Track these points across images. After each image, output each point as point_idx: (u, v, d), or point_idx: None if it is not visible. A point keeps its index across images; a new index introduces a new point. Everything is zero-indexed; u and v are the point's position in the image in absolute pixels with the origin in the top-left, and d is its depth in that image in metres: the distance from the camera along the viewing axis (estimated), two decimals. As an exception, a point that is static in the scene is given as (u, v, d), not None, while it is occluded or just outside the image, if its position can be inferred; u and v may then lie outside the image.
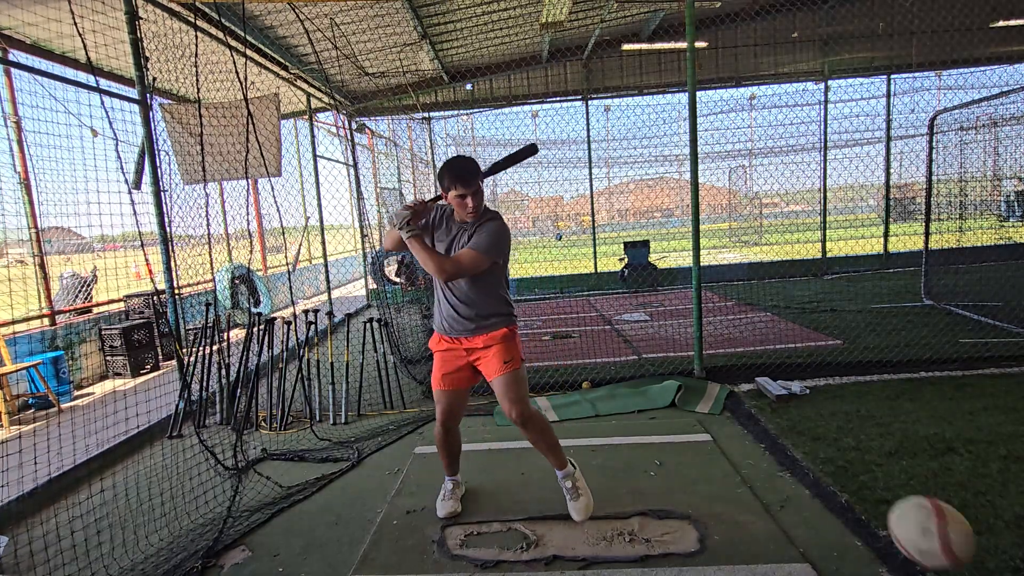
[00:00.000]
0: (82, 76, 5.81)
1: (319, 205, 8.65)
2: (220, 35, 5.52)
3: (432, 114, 10.88)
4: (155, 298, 6.64)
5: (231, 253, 9.50)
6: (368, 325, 5.00)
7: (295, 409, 4.49)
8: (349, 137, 9.24)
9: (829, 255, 10.41)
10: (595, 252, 10.42)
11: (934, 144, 6.45)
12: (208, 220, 4.08)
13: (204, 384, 4.45)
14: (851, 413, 3.59)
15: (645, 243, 10.01)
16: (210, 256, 4.88)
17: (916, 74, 10.37)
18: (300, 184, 10.48)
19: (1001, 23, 9.73)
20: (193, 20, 4.75)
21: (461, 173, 2.38)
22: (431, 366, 2.79)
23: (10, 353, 4.91)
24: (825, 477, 2.79)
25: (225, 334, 4.65)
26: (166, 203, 4.40)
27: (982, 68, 10.62)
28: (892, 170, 10.39)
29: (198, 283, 7.55)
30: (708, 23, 8.92)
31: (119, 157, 3.37)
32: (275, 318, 4.63)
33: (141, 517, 2.98)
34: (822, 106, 9.90)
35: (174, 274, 4.36)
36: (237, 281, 7.84)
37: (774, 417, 3.61)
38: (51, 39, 5.71)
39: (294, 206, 10.50)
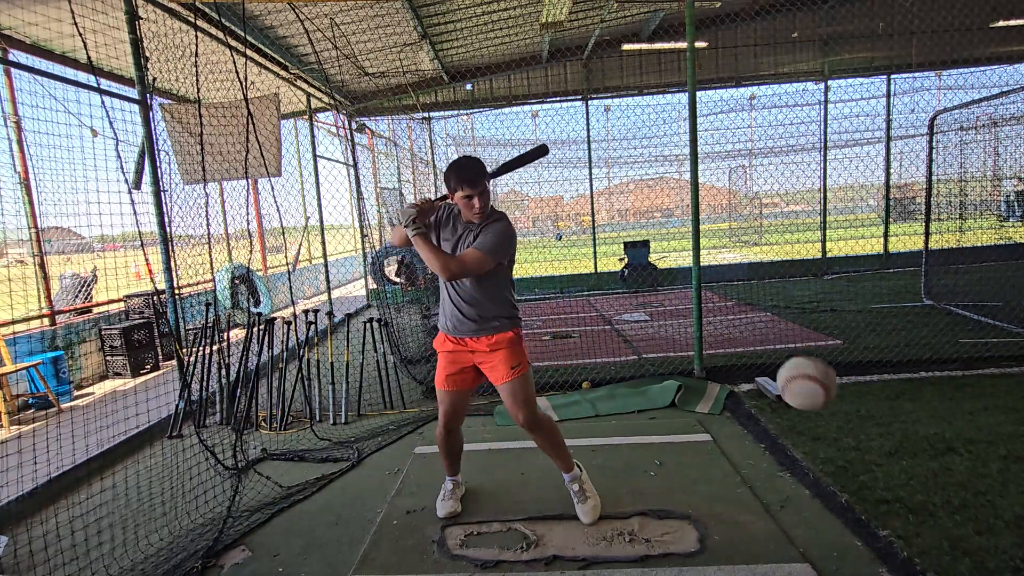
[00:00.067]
0: (82, 76, 5.81)
1: (319, 205, 8.65)
2: (220, 35, 5.52)
3: (432, 114, 10.88)
4: (155, 298, 6.64)
5: (231, 253, 9.50)
6: (368, 325, 5.00)
7: (295, 409, 4.49)
8: (349, 137, 9.25)
9: (829, 255, 10.41)
10: (595, 252, 10.42)
11: (934, 144, 6.45)
12: (208, 220, 4.08)
13: (204, 384, 4.45)
14: (851, 413, 3.59)
15: (645, 243, 10.01)
16: (210, 256, 4.88)
17: (916, 74, 10.37)
18: (300, 184, 10.49)
19: (1001, 23, 9.74)
20: (193, 20, 4.75)
21: (467, 174, 2.38)
22: (432, 366, 2.80)
23: (10, 353, 4.91)
24: (825, 477, 2.79)
25: (225, 334, 4.65)
26: (166, 203, 4.40)
27: (982, 68, 10.62)
28: (892, 170, 10.40)
29: (198, 283, 7.55)
30: (708, 23, 8.92)
31: (119, 157, 3.37)
32: (275, 318, 4.63)
33: (141, 517, 2.98)
34: (822, 106, 9.90)
35: (174, 274, 4.36)
36: (237, 281, 7.84)
37: (774, 417, 3.61)
38: (51, 39, 5.70)
39: (294, 206, 10.51)
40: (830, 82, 9.91)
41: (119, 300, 6.94)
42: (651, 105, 11.84)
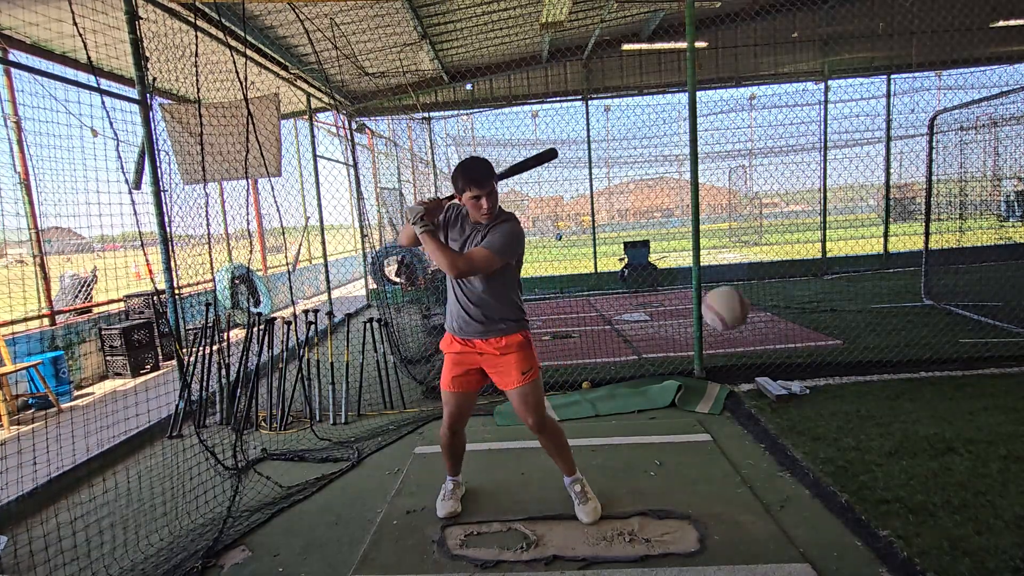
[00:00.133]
0: (82, 76, 5.81)
1: (319, 205, 8.65)
2: (220, 35, 5.52)
3: (432, 114, 10.88)
4: (155, 298, 6.64)
5: (231, 253, 9.50)
6: (368, 325, 5.00)
7: (295, 409, 4.49)
8: (349, 137, 9.25)
9: (829, 255, 10.41)
10: (595, 252, 10.42)
11: (934, 144, 6.45)
12: (208, 220, 4.08)
13: (204, 384, 4.45)
14: (851, 413, 3.59)
15: (645, 243, 10.01)
16: (210, 256, 4.88)
17: (916, 74, 10.37)
18: (300, 184, 10.49)
19: (1001, 23, 9.74)
20: (193, 20, 4.75)
21: (475, 175, 2.37)
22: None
23: (10, 353, 4.91)
24: (825, 477, 2.80)
25: (225, 334, 4.65)
26: (166, 203, 4.40)
27: (982, 68, 10.62)
28: (892, 170, 10.40)
29: (198, 283, 7.55)
30: (708, 23, 8.92)
31: (119, 157, 3.37)
32: (275, 318, 4.63)
33: (141, 517, 2.98)
34: (822, 106, 9.89)
35: (174, 274, 4.36)
36: (237, 281, 7.84)
37: (774, 417, 3.61)
38: (51, 39, 5.71)
39: (294, 206, 10.51)
40: (830, 82, 9.91)
41: (119, 300, 6.94)
42: (651, 105, 11.85)
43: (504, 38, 8.98)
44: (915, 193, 17.35)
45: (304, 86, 8.46)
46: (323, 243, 8.84)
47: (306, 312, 4.69)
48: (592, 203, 10.44)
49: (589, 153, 10.18)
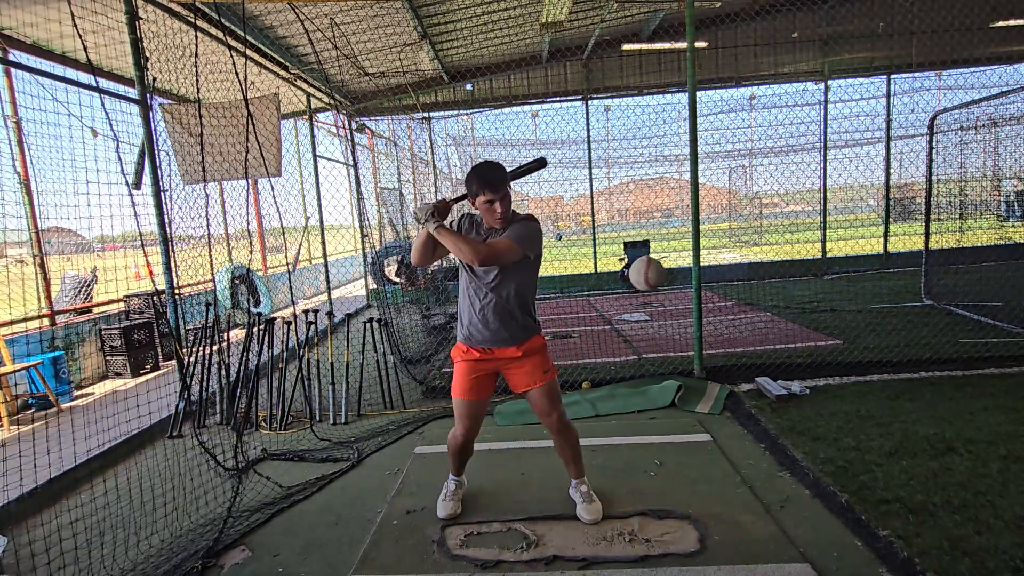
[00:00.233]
0: (83, 76, 5.81)
1: (319, 205, 8.65)
2: (220, 35, 5.52)
3: (432, 114, 10.88)
4: (155, 298, 6.65)
5: (231, 253, 9.50)
6: (368, 325, 5.00)
7: (295, 409, 4.49)
8: (349, 137, 9.24)
9: (829, 255, 10.41)
10: (595, 252, 10.41)
11: (934, 144, 6.45)
12: (208, 220, 4.08)
13: (204, 384, 4.45)
14: (851, 413, 3.59)
15: (645, 243, 10.01)
16: (210, 256, 4.88)
17: (916, 74, 10.37)
18: (300, 184, 10.49)
19: (1001, 23, 9.74)
20: (193, 20, 4.75)
21: (488, 179, 2.37)
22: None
23: (10, 353, 4.91)
24: (825, 477, 2.80)
25: (225, 334, 4.65)
26: (166, 203, 4.40)
27: (982, 68, 10.62)
28: (892, 170, 10.40)
29: (198, 283, 7.55)
30: (708, 23, 8.92)
31: (119, 158, 3.37)
32: (275, 318, 4.63)
33: (141, 517, 2.98)
34: (822, 106, 9.89)
35: (174, 274, 4.36)
36: (237, 281, 7.84)
37: (774, 417, 3.61)
38: (51, 39, 5.71)
39: (294, 206, 10.51)
40: (830, 82, 9.91)
41: (119, 300, 6.94)
42: (651, 105, 11.85)
43: (504, 38, 8.98)
44: (915, 193, 17.36)
45: (304, 86, 8.46)
46: (323, 243, 8.84)
47: (306, 312, 4.69)
48: (592, 203, 10.44)
49: (589, 153, 10.18)
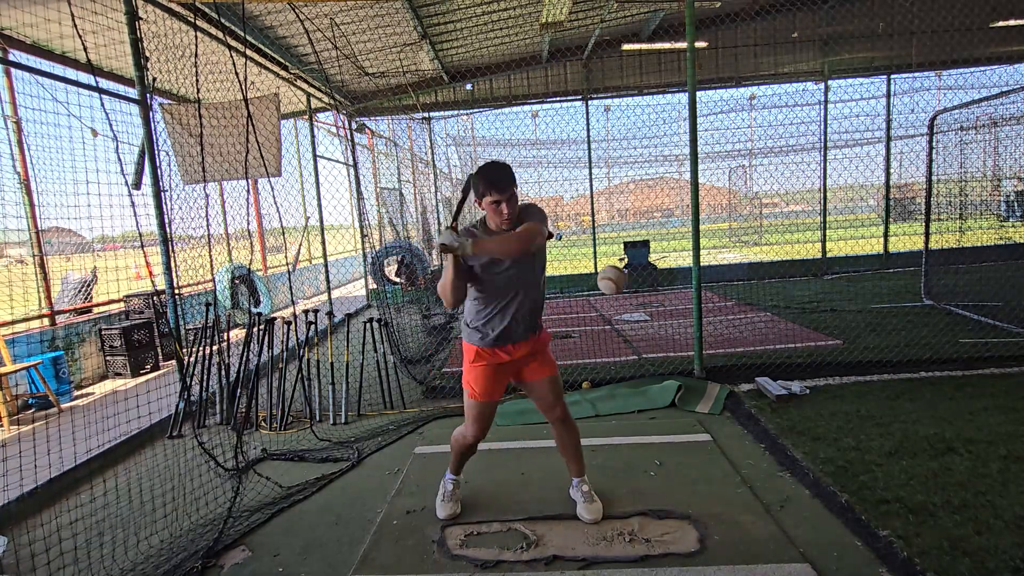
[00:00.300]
0: (83, 76, 5.81)
1: (319, 205, 8.65)
2: (220, 35, 5.52)
3: (432, 114, 10.88)
4: (155, 298, 6.65)
5: (231, 253, 9.50)
6: (368, 325, 5.00)
7: (295, 409, 4.49)
8: (349, 137, 9.24)
9: (829, 255, 10.41)
10: (595, 252, 10.42)
11: (934, 144, 6.45)
12: (208, 220, 4.08)
13: (204, 384, 4.45)
14: (851, 413, 3.59)
15: (645, 243, 10.00)
16: (210, 256, 4.88)
17: (916, 74, 10.37)
18: (300, 184, 10.49)
19: (1001, 23, 9.73)
20: (193, 20, 4.74)
21: (496, 180, 2.33)
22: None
23: (10, 353, 4.91)
24: (825, 477, 2.80)
25: (225, 334, 4.65)
26: (166, 203, 4.40)
27: (982, 68, 10.62)
28: (892, 170, 10.40)
29: (198, 283, 7.55)
30: (708, 23, 8.91)
31: (119, 158, 3.37)
32: (275, 318, 4.63)
33: (141, 517, 2.98)
34: (822, 106, 9.89)
35: (174, 274, 4.36)
36: (237, 281, 7.84)
37: (774, 417, 3.61)
38: (51, 39, 5.70)
39: (294, 206, 10.51)
40: (830, 82, 9.91)
41: (119, 300, 6.94)
42: (651, 105, 11.87)
43: (504, 38, 8.98)
44: (915, 193, 17.35)
45: (304, 86, 8.46)
46: (323, 243, 8.84)
47: (306, 312, 4.69)
48: (592, 203, 10.44)
49: (589, 153, 10.18)
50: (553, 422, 2.69)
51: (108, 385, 5.82)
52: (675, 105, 17.51)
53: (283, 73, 7.78)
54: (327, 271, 8.89)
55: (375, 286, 8.98)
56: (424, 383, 4.96)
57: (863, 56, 10.02)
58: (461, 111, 10.99)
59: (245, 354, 4.40)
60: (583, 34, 9.47)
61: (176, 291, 4.39)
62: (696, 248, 4.39)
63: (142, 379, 5.95)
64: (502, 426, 3.90)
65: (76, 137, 4.42)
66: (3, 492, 3.07)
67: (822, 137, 9.93)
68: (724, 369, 4.58)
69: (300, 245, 10.86)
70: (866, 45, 9.95)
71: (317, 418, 4.35)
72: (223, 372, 4.46)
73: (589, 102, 10.25)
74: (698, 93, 4.31)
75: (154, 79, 4.50)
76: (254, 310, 7.61)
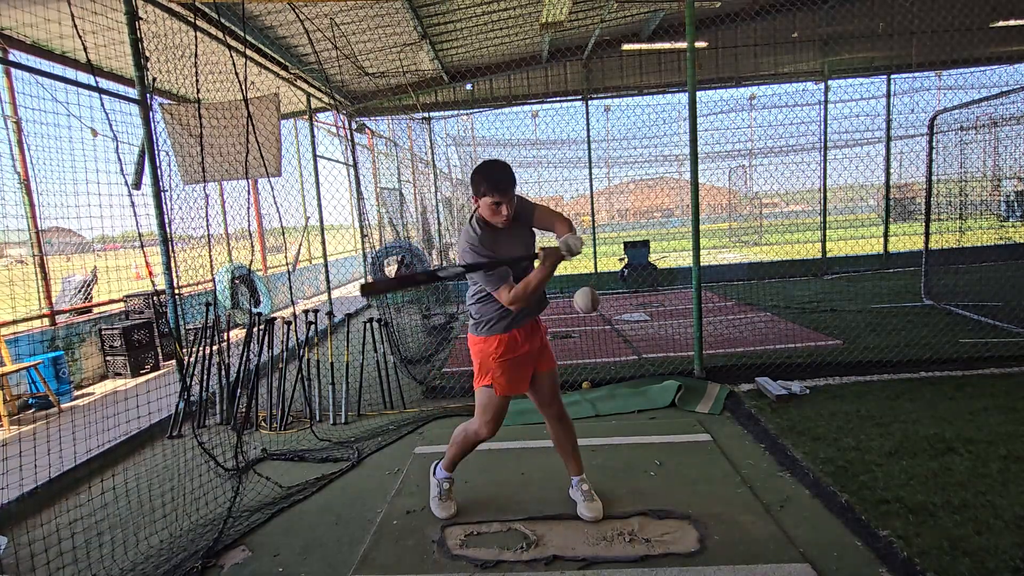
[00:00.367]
0: (83, 76, 5.80)
1: (319, 205, 8.64)
2: (220, 35, 5.52)
3: (432, 114, 10.88)
4: (155, 298, 6.64)
5: (231, 253, 9.50)
6: (368, 325, 5.00)
7: (295, 409, 4.49)
8: (349, 137, 9.24)
9: (829, 255, 10.40)
10: (595, 252, 10.41)
11: (934, 144, 6.45)
12: (208, 220, 4.08)
13: (204, 384, 4.45)
14: (851, 413, 3.59)
15: (645, 243, 10.00)
16: (210, 256, 4.88)
17: (916, 74, 10.37)
18: (300, 184, 10.49)
19: (1001, 23, 9.73)
20: (193, 20, 4.74)
21: (499, 182, 2.33)
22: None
23: (10, 353, 4.91)
24: (825, 477, 2.80)
25: (225, 334, 4.65)
26: (166, 203, 4.40)
27: (982, 68, 10.62)
28: (892, 170, 10.40)
29: (198, 283, 7.54)
30: (708, 23, 8.91)
31: (119, 158, 3.37)
32: (275, 318, 4.63)
33: (141, 517, 2.98)
34: (822, 106, 9.89)
35: (174, 274, 4.36)
36: (237, 281, 7.84)
37: (774, 417, 3.61)
38: (51, 39, 5.70)
39: (294, 206, 10.51)
40: (830, 82, 9.91)
41: (119, 300, 6.94)
42: (651, 105, 11.85)
43: (504, 38, 8.98)
44: (915, 193, 17.35)
45: (304, 86, 8.46)
46: (323, 243, 8.84)
47: (306, 312, 4.69)
48: (592, 203, 10.44)
49: (589, 153, 10.18)
50: (551, 419, 2.69)
51: (108, 385, 5.82)
52: (675, 105, 17.50)
53: (283, 73, 7.78)
54: (327, 271, 8.89)
55: (375, 286, 8.95)
56: (424, 383, 4.96)
57: (863, 56, 10.02)
58: (461, 111, 10.99)
59: (245, 354, 4.40)
60: (583, 34, 9.47)
61: (176, 291, 4.39)
62: (696, 248, 4.39)
63: (142, 379, 5.95)
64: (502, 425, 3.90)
65: (76, 137, 4.42)
66: (3, 492, 3.07)
67: (822, 137, 9.93)
68: (724, 369, 4.58)
69: (300, 245, 10.86)
70: (866, 45, 9.95)
71: (317, 418, 4.35)
72: (223, 372, 4.45)
73: (589, 102, 10.25)
74: (698, 93, 4.30)
75: (154, 79, 4.50)
76: (254, 310, 7.61)
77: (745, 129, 16.11)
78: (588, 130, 10.18)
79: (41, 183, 5.65)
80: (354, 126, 9.64)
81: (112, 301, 6.95)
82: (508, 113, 12.39)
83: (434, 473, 2.86)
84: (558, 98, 10.45)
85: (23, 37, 5.68)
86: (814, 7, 9.57)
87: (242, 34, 4.67)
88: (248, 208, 9.04)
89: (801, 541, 2.39)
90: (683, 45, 9.54)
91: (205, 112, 5.56)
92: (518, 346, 2.54)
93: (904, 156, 12.18)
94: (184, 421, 4.26)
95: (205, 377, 4.46)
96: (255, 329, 4.48)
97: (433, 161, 11.41)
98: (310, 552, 2.57)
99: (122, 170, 3.33)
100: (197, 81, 3.68)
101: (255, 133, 5.59)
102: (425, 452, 3.57)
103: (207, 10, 5.45)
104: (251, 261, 9.86)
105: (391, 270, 9.87)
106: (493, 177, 2.34)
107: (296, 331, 4.65)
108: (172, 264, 4.34)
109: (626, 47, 9.93)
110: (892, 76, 10.03)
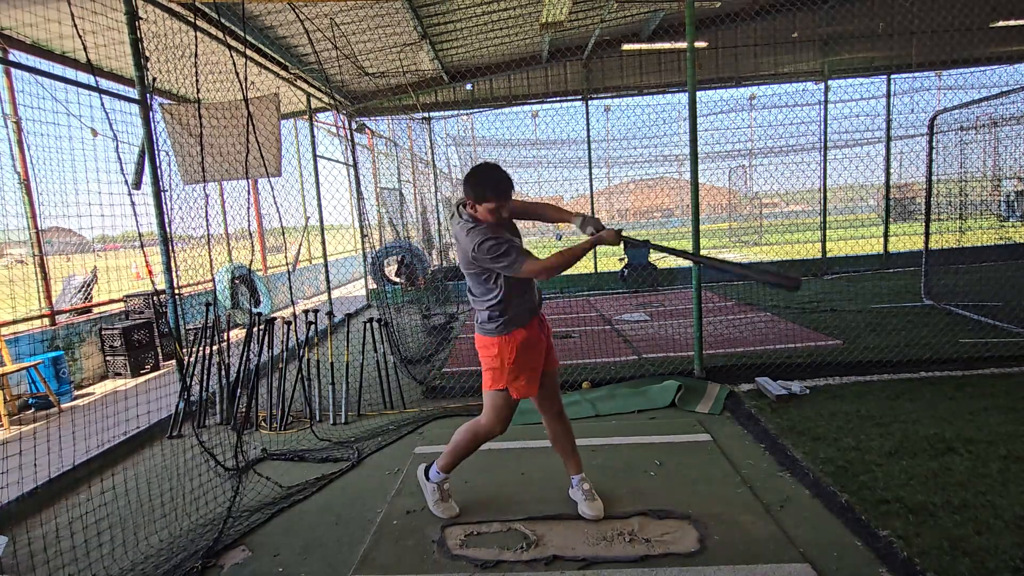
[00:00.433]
0: (83, 76, 5.80)
1: (319, 205, 8.65)
2: (220, 35, 5.52)
3: (432, 114, 10.88)
4: (155, 298, 6.65)
5: (231, 253, 9.50)
6: (368, 325, 5.00)
7: (295, 409, 4.49)
8: (349, 137, 9.24)
9: (829, 255, 10.40)
10: (595, 252, 10.41)
11: (934, 144, 6.45)
12: (208, 220, 4.08)
13: (204, 384, 4.45)
14: (851, 413, 3.59)
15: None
16: (209, 256, 4.88)
17: (916, 74, 10.36)
18: (300, 184, 10.49)
19: (1001, 23, 9.73)
20: (193, 20, 4.74)
21: (500, 188, 2.37)
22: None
23: (10, 353, 4.91)
24: (825, 477, 2.80)
25: (225, 334, 4.65)
26: (166, 203, 4.40)
27: (982, 68, 10.62)
28: (892, 170, 10.39)
29: (198, 283, 7.55)
30: (708, 23, 8.91)
31: (119, 158, 3.37)
32: (275, 318, 4.63)
33: (141, 517, 2.98)
34: (822, 106, 9.89)
35: (174, 274, 4.36)
36: (237, 281, 7.84)
37: (774, 417, 3.61)
38: (51, 39, 5.70)
39: (294, 206, 10.51)
40: (830, 82, 9.91)
41: (119, 300, 6.94)
42: (651, 105, 11.87)
43: (504, 38, 8.98)
44: (915, 193, 17.35)
45: (304, 86, 8.46)
46: (323, 243, 8.84)
47: (306, 312, 4.69)
48: (592, 203, 10.44)
49: (589, 153, 10.18)
50: (551, 417, 2.71)
51: (108, 385, 5.83)
52: (675, 105, 17.51)
53: (283, 73, 7.78)
54: (327, 271, 8.89)
55: (375, 286, 8.98)
56: (424, 383, 4.96)
57: (863, 56, 10.02)
58: (461, 111, 10.99)
59: (245, 354, 4.40)
60: (583, 34, 9.47)
61: (176, 291, 4.39)
62: (696, 248, 4.39)
63: (142, 379, 5.95)
64: (502, 426, 3.90)
65: (76, 137, 4.42)
66: (3, 492, 3.07)
67: (822, 137, 9.93)
68: (724, 369, 4.58)
69: (300, 245, 10.86)
70: (866, 45, 9.95)
71: (317, 418, 4.35)
72: (223, 372, 4.45)
73: (589, 102, 10.25)
74: (698, 93, 4.30)
75: (154, 79, 4.50)
76: (254, 310, 7.61)
77: (745, 129, 16.13)
78: (588, 130, 10.18)
79: (41, 183, 5.65)
80: (354, 126, 9.64)
81: (112, 301, 6.96)
82: (508, 113, 12.43)
83: (427, 477, 2.82)
84: (558, 98, 10.45)
85: (23, 37, 5.68)
86: (814, 7, 9.57)
87: (242, 34, 4.67)
88: (248, 208, 9.03)
89: (801, 541, 2.39)
90: (683, 45, 9.54)
91: (205, 112, 5.56)
92: (538, 337, 2.60)
93: (904, 156, 12.20)
94: (184, 421, 4.26)
95: (205, 377, 4.46)
96: (255, 329, 4.48)
97: (433, 161, 11.41)
98: (310, 552, 2.57)
99: (122, 170, 3.33)
100: (197, 81, 3.68)
101: (255, 133, 5.59)
102: (425, 452, 3.57)
103: (207, 10, 5.45)
104: (251, 261, 9.86)
105: (391, 270, 9.89)
106: (499, 185, 2.37)
107: (296, 331, 4.65)
108: (172, 264, 4.34)
109: (626, 47, 9.92)
110: (892, 76, 10.02)
